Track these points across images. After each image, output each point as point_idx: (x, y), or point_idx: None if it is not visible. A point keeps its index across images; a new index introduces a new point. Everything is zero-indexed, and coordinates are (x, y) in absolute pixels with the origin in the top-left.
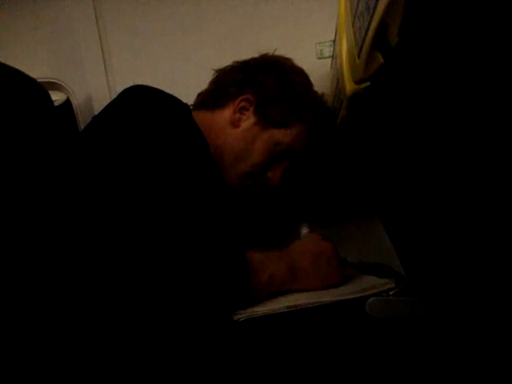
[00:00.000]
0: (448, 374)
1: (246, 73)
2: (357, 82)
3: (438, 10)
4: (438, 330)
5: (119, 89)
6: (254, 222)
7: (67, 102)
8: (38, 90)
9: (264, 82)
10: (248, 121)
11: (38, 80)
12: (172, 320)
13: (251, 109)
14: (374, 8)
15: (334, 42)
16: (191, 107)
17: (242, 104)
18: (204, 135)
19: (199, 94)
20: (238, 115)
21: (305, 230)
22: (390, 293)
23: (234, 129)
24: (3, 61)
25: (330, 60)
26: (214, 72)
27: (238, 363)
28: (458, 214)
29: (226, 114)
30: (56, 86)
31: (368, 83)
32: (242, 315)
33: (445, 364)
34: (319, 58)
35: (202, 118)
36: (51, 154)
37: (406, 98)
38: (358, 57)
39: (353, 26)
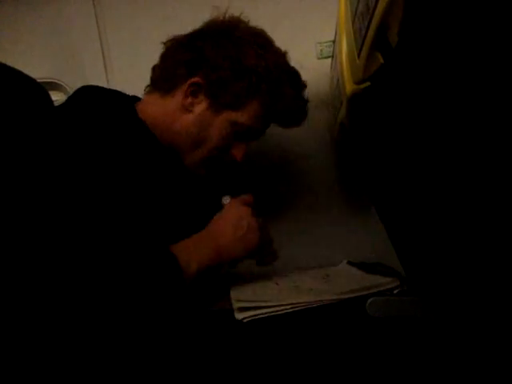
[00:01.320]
0: (448, 373)
1: (194, 51)
2: (357, 82)
3: (437, 10)
4: (437, 330)
5: (119, 89)
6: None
7: None
8: (38, 90)
9: (212, 61)
10: (200, 105)
11: (38, 80)
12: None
13: (202, 92)
14: (374, 8)
15: (334, 42)
16: (147, 88)
17: (192, 88)
18: (157, 124)
19: (153, 68)
20: (189, 99)
21: (227, 201)
22: (395, 291)
23: (188, 114)
24: (3, 61)
25: (330, 60)
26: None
27: (239, 362)
28: (458, 214)
29: (177, 98)
30: (56, 86)
31: (368, 83)
32: (246, 316)
33: (444, 364)
34: (319, 58)
35: (154, 104)
36: (51, 153)
37: (405, 98)
38: (358, 57)
39: (353, 26)
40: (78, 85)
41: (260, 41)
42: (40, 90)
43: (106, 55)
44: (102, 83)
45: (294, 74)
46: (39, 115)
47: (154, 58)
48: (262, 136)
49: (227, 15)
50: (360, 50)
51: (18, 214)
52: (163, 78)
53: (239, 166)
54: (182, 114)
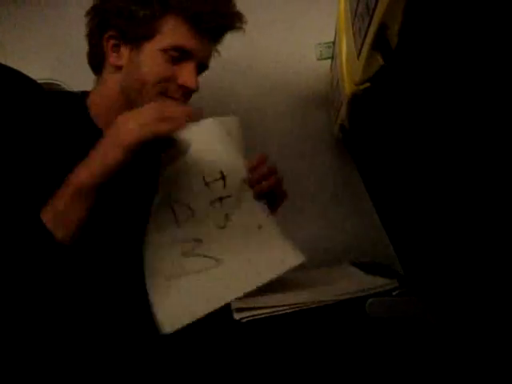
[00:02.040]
0: (448, 374)
1: (97, 12)
2: (356, 83)
3: (437, 11)
4: (437, 330)
5: None
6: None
7: None
8: (39, 91)
9: (112, 7)
10: (125, 54)
11: (38, 80)
12: None
13: (121, 42)
14: (374, 9)
15: (333, 43)
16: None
17: (111, 43)
18: (106, 100)
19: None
20: (114, 56)
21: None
22: (393, 293)
23: (121, 70)
24: (3, 62)
25: (329, 61)
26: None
27: (238, 363)
28: (458, 214)
29: (108, 63)
30: (56, 87)
31: (368, 84)
32: (244, 316)
33: (444, 364)
34: (319, 60)
35: (99, 86)
36: (52, 153)
37: (405, 99)
38: (358, 58)
39: (352, 27)
40: (78, 85)
41: None
42: (40, 90)
43: None
44: None
45: None
46: (39, 115)
47: None
48: (206, 54)
49: None
50: (360, 50)
51: None
52: (93, 58)
53: (193, 91)
54: (117, 74)
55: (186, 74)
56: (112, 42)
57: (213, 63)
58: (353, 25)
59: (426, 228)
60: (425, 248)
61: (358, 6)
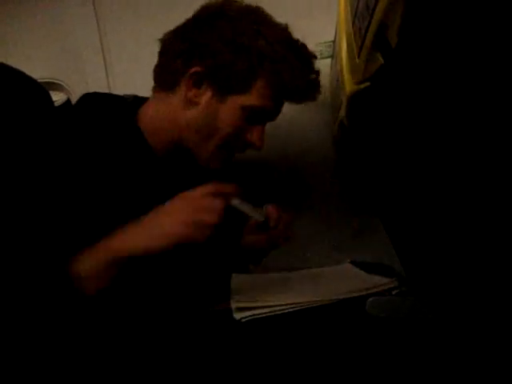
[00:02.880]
0: (448, 374)
1: (189, 40)
2: (356, 82)
3: (437, 11)
4: (437, 330)
5: (119, 89)
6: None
7: (67, 103)
8: (39, 91)
9: (209, 46)
10: (205, 95)
11: (39, 80)
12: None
13: (205, 81)
14: (374, 8)
15: (333, 42)
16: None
17: (194, 78)
18: (163, 124)
19: (154, 68)
20: (193, 91)
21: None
22: (393, 292)
23: (194, 107)
24: (4, 61)
25: (329, 60)
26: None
27: (238, 362)
28: (458, 214)
29: (181, 93)
30: (57, 87)
31: (368, 83)
32: (244, 315)
33: (445, 364)
34: (319, 59)
35: (159, 104)
36: (51, 154)
37: (405, 98)
38: (358, 57)
39: (353, 27)
40: (79, 85)
41: (256, 17)
42: (40, 89)
43: (107, 56)
44: (103, 83)
45: (299, 47)
46: (39, 115)
47: (154, 59)
48: (276, 116)
49: None
50: (360, 50)
51: None
52: (163, 75)
53: (258, 150)
54: (187, 109)
55: (256, 133)
56: (196, 77)
57: None
58: (353, 24)
59: (426, 227)
60: (426, 248)
61: (358, 5)
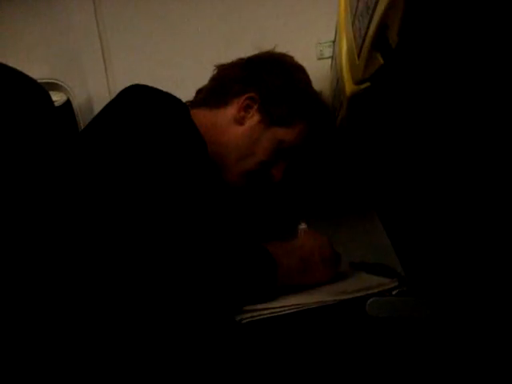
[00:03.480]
0: (448, 374)
1: (250, 70)
2: (356, 83)
3: (438, 10)
4: (438, 330)
5: (119, 89)
6: (249, 219)
7: (67, 103)
8: (39, 91)
9: (268, 80)
10: (252, 119)
11: (39, 80)
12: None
13: (255, 107)
14: (374, 8)
15: (333, 42)
16: (189, 104)
17: (247, 102)
18: (205, 134)
19: (199, 91)
20: (242, 113)
21: (303, 226)
22: (393, 292)
23: (239, 126)
24: (3, 61)
25: (329, 60)
26: (214, 69)
27: (240, 364)
28: (458, 213)
29: (230, 111)
30: (56, 87)
31: (368, 84)
32: (244, 317)
33: (445, 364)
34: (319, 59)
35: (203, 116)
36: (52, 154)
37: (405, 99)
38: (358, 57)
39: (353, 27)
40: (79, 85)
41: (306, 73)
42: (40, 90)
43: (106, 55)
44: (102, 83)
45: (329, 111)
46: (39, 116)
47: (154, 59)
48: (298, 158)
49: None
50: (360, 50)
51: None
52: (216, 94)
53: (274, 185)
54: (232, 127)
55: (279, 169)
56: (249, 101)
57: (213, 62)
58: (353, 24)
59: (426, 227)
60: (426, 248)
61: (358, 5)
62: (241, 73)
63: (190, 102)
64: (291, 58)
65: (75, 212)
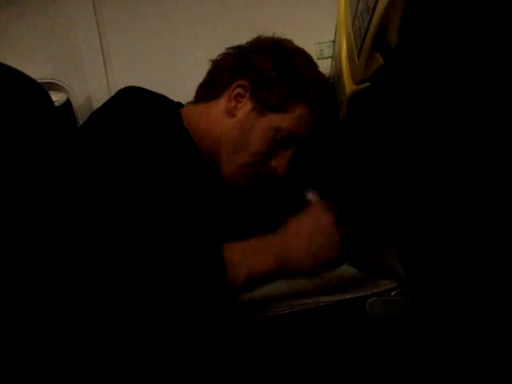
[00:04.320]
0: (448, 374)
1: (239, 57)
2: (356, 83)
3: (437, 11)
4: (438, 330)
5: (119, 89)
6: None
7: (67, 103)
8: (38, 91)
9: (258, 64)
10: (244, 108)
11: (38, 80)
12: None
13: (247, 95)
14: (374, 8)
15: (333, 42)
16: (190, 102)
17: (237, 91)
18: (198, 131)
19: (198, 86)
20: (233, 103)
21: (310, 197)
22: (392, 293)
23: (231, 118)
24: (3, 61)
25: (329, 60)
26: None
27: (238, 364)
28: (458, 214)
29: (222, 103)
30: (56, 87)
31: (368, 84)
32: (242, 317)
33: (445, 364)
34: (319, 59)
35: (198, 112)
36: (51, 154)
37: (405, 99)
38: (358, 57)
39: (352, 27)
40: (78, 85)
41: (307, 55)
42: (40, 90)
43: (106, 55)
44: (102, 83)
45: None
46: (39, 116)
47: (154, 59)
48: (306, 150)
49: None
50: (360, 50)
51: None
52: (207, 87)
53: (279, 180)
54: (224, 119)
55: (282, 160)
56: (239, 90)
57: None
58: (353, 24)
59: (426, 228)
60: (425, 247)
61: (358, 5)
62: (229, 62)
63: (190, 101)
64: (287, 41)
65: (59, 211)
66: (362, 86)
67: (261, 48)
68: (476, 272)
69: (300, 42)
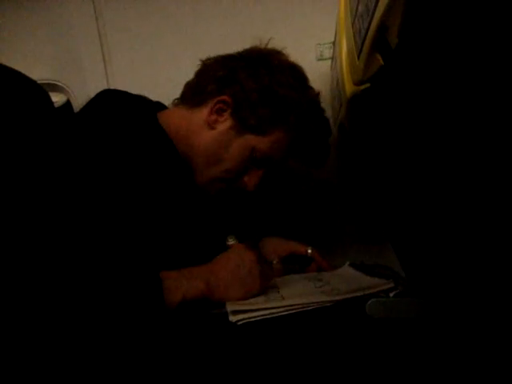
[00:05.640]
0: (448, 374)
1: (227, 70)
2: (356, 84)
3: (437, 12)
4: (437, 331)
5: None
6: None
7: (67, 104)
8: (39, 92)
9: (244, 83)
10: (224, 123)
11: (39, 81)
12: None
13: (228, 111)
14: (374, 9)
15: (333, 43)
16: (176, 100)
17: (219, 105)
18: (177, 134)
19: (185, 84)
20: (214, 116)
21: (231, 242)
22: (390, 294)
23: (210, 130)
24: (3, 62)
25: (329, 61)
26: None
27: (236, 366)
28: (458, 214)
29: (203, 113)
30: (56, 88)
31: (368, 85)
32: (240, 318)
33: (444, 364)
34: (319, 60)
35: (180, 116)
36: (52, 155)
37: (405, 100)
38: (358, 58)
39: (353, 28)
40: (78, 86)
41: (296, 74)
42: (40, 91)
43: (106, 56)
44: (102, 84)
45: (323, 117)
46: (39, 116)
47: (154, 59)
48: (278, 169)
49: (268, 45)
50: (360, 51)
51: (17, 216)
52: (193, 92)
53: (248, 194)
54: (203, 130)
55: (253, 177)
56: (221, 105)
57: None
58: (353, 25)
59: (426, 228)
60: (426, 248)
61: (358, 6)
62: (218, 72)
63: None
64: (280, 55)
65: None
66: (362, 87)
67: (250, 63)
68: (475, 273)
69: (300, 43)
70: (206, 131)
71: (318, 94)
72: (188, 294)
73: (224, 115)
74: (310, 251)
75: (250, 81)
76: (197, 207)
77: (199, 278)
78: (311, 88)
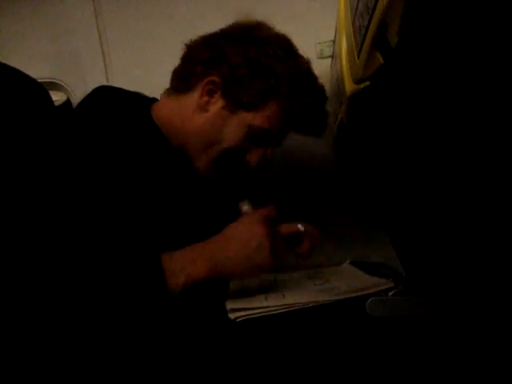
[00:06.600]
0: (448, 373)
1: (212, 49)
2: (356, 82)
3: (437, 10)
4: (438, 330)
5: None
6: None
7: (67, 102)
8: (39, 90)
9: (230, 60)
10: (216, 104)
11: (39, 80)
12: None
13: (219, 91)
14: (374, 8)
15: (333, 41)
16: (166, 90)
17: (209, 87)
18: (170, 126)
19: (173, 72)
20: (205, 98)
21: (245, 208)
22: (390, 293)
23: (203, 113)
24: (3, 61)
25: (329, 60)
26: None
27: (236, 364)
28: (458, 214)
29: (194, 97)
30: (56, 86)
31: (367, 83)
32: (239, 315)
33: (444, 364)
34: (319, 58)
35: (171, 104)
36: (51, 154)
37: (405, 98)
38: (358, 57)
39: (353, 26)
40: (79, 85)
41: (283, 44)
42: (40, 89)
43: (106, 55)
44: (102, 83)
45: (317, 84)
46: (39, 115)
47: (154, 58)
48: (280, 143)
49: (252, 19)
50: (360, 49)
51: (15, 212)
52: (181, 78)
53: (251, 172)
54: (196, 114)
55: (255, 155)
56: (211, 86)
57: None
58: (353, 23)
59: (426, 227)
60: (426, 247)
61: (358, 4)
62: (203, 53)
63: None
64: (265, 27)
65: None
66: (362, 85)
67: (233, 38)
68: (475, 271)
69: (300, 41)
70: (199, 115)
71: (308, 62)
72: (191, 276)
73: (215, 96)
74: (301, 227)
75: (237, 57)
76: (195, 195)
77: (204, 257)
78: (300, 56)
